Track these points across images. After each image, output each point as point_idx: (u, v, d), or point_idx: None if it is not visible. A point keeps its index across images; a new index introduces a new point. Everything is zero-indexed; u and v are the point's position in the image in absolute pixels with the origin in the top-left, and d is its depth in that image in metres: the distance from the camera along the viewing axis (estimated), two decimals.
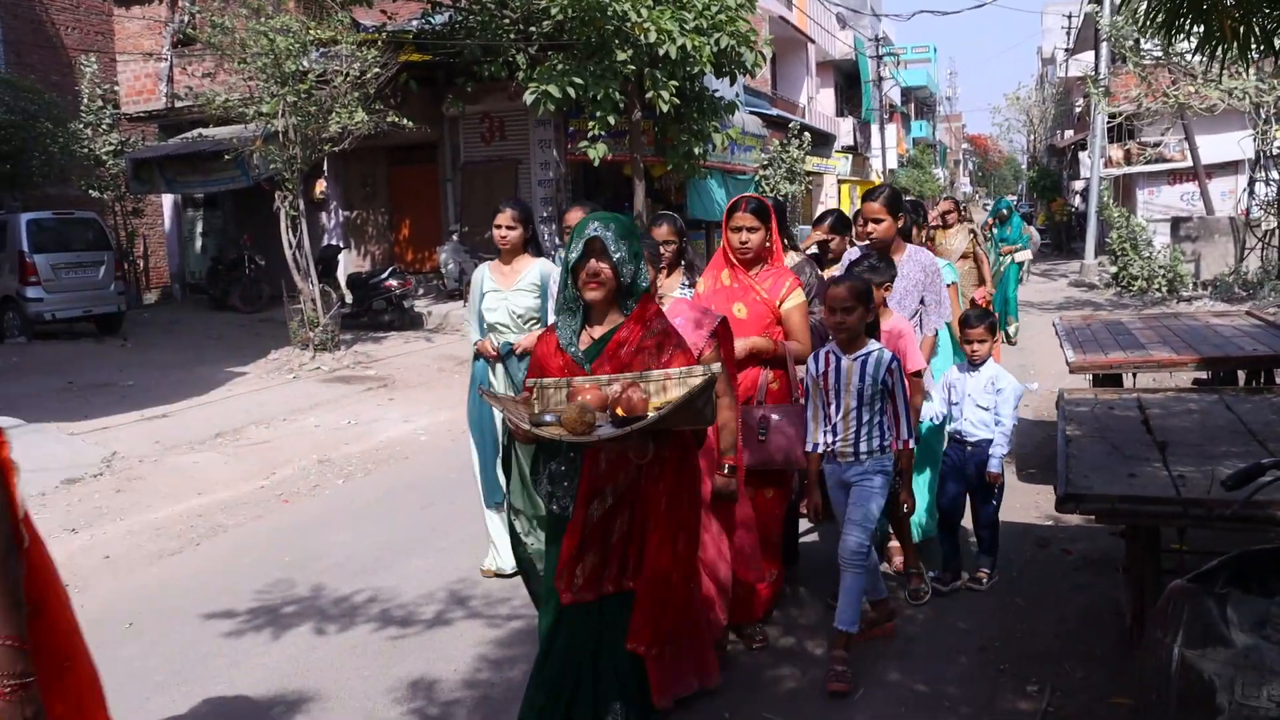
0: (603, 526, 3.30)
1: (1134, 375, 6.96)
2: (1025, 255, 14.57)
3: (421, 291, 18.47)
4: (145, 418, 10.20)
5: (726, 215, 4.69)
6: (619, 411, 3.07)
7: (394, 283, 16.52)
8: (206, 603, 5.36)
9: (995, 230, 14.27)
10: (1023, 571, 5.39)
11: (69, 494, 7.66)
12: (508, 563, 5.35)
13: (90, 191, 18.69)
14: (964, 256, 9.39)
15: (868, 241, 5.47)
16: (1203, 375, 7.24)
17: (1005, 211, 14.53)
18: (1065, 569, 5.40)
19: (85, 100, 19.03)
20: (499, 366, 5.47)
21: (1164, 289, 18.77)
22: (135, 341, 15.50)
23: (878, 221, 5.39)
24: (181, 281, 21.54)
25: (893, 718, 3.90)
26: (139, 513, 7.22)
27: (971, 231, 9.57)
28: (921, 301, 5.43)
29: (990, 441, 5.09)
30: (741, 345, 4.43)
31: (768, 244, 4.67)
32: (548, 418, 3.16)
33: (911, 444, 4.38)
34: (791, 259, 5.28)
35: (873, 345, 4.30)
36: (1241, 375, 7.06)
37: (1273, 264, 17.87)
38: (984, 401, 5.09)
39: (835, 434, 4.33)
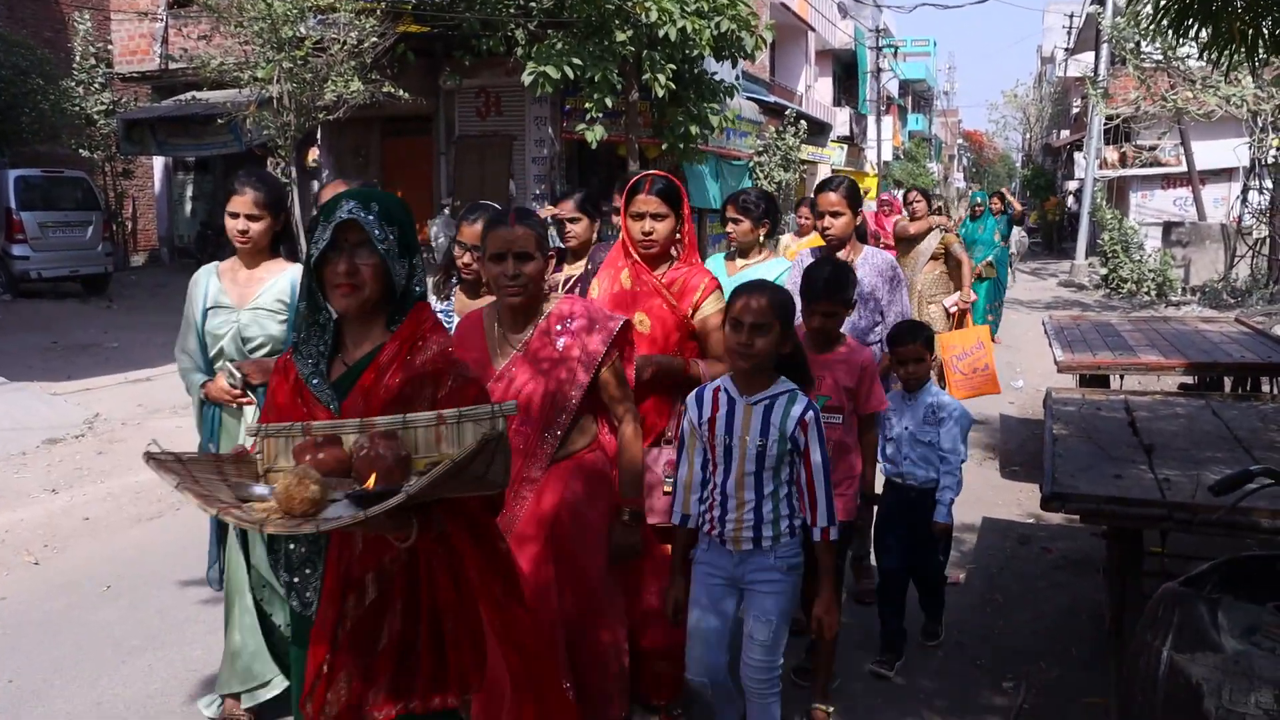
0: (365, 629, 2.26)
1: (1121, 377, 6.97)
2: (992, 265, 12.55)
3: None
4: (129, 380, 10.14)
5: (625, 198, 3.75)
6: (366, 481, 2.02)
7: None
8: (185, 568, 5.33)
9: (965, 225, 12.83)
10: (1003, 569, 5.41)
11: (50, 454, 7.60)
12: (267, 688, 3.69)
13: (80, 151, 18.52)
14: (934, 258, 8.55)
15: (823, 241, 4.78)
16: (1189, 380, 7.26)
17: (979, 204, 13.05)
18: (1045, 568, 5.42)
19: (78, 58, 18.83)
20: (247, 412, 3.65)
21: (1153, 293, 18.84)
22: (121, 303, 15.41)
23: (836, 215, 4.64)
24: (170, 245, 21.40)
25: (869, 710, 3.91)
26: (120, 475, 7.18)
27: (945, 229, 8.73)
28: (880, 315, 4.69)
29: (937, 483, 4.22)
30: (641, 364, 3.49)
31: (678, 235, 3.78)
32: (257, 490, 2.10)
33: (834, 533, 3.16)
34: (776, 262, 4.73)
35: (782, 385, 3.15)
36: (1228, 382, 7.08)
37: (1262, 272, 17.95)
38: (924, 435, 4.24)
39: (724, 510, 3.14)
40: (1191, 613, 2.12)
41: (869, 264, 4.70)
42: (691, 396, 3.27)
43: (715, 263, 4.87)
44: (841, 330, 3.92)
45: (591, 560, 3.24)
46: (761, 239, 4.83)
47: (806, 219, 8.31)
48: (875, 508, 4.30)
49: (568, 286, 4.58)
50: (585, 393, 3.15)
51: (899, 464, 4.30)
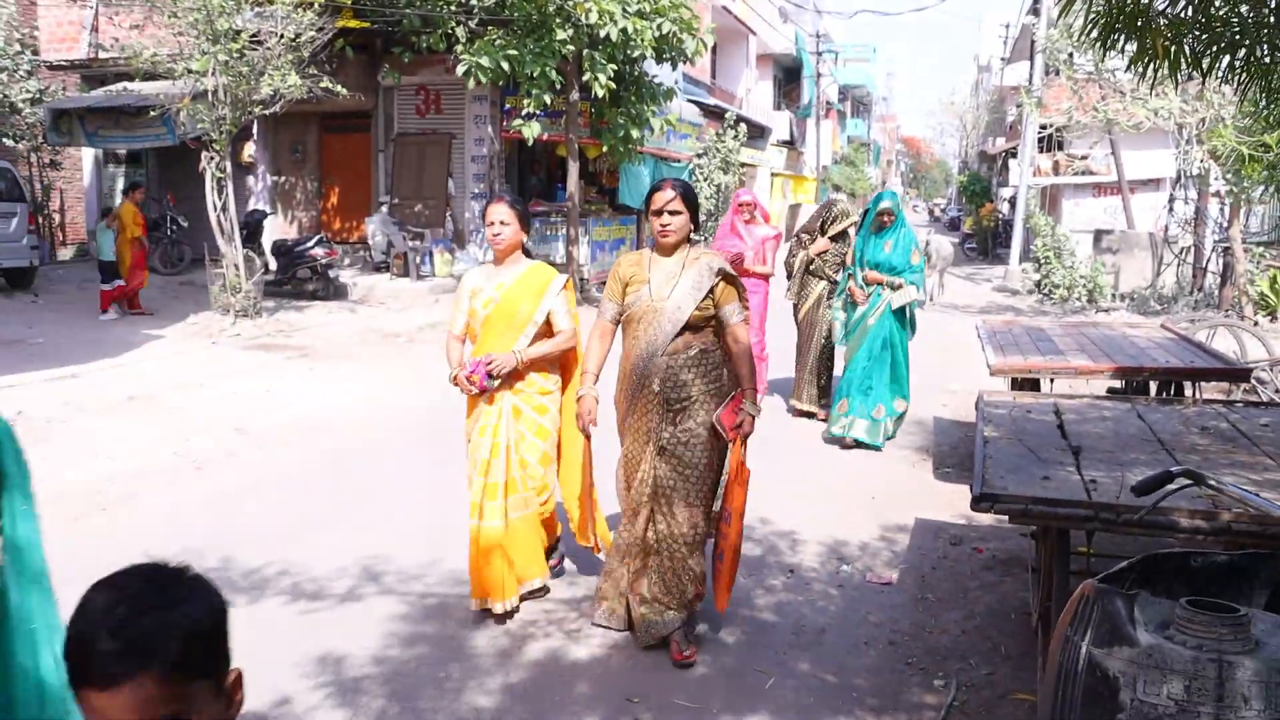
0: None
1: (1051, 381, 7.11)
2: (906, 297, 7.98)
3: (347, 262, 18.20)
4: (54, 378, 9.91)
5: None
6: None
7: (319, 251, 16.24)
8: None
9: (859, 244, 8.19)
10: (934, 568, 5.48)
11: None
12: None
13: (4, 140, 18.04)
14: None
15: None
16: (1117, 384, 7.43)
17: (887, 211, 8.07)
18: (975, 567, 5.51)
19: (1, 43, 18.32)
20: None
21: (1084, 298, 19.24)
22: (47, 298, 15.05)
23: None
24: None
25: (802, 708, 3.94)
26: (44, 476, 6.99)
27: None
28: None
29: None
30: None
31: None
32: None
33: None
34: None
35: None
36: (1153, 386, 7.25)
37: (1187, 280, 18.42)
38: None
39: None
40: (1110, 608, 2.18)
41: None
42: None
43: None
44: None
45: None
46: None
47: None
48: None
49: None
50: None
51: None
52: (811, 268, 8.89)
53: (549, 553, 5.03)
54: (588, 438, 4.47)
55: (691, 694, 3.99)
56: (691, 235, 4.42)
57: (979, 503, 3.49)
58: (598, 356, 4.47)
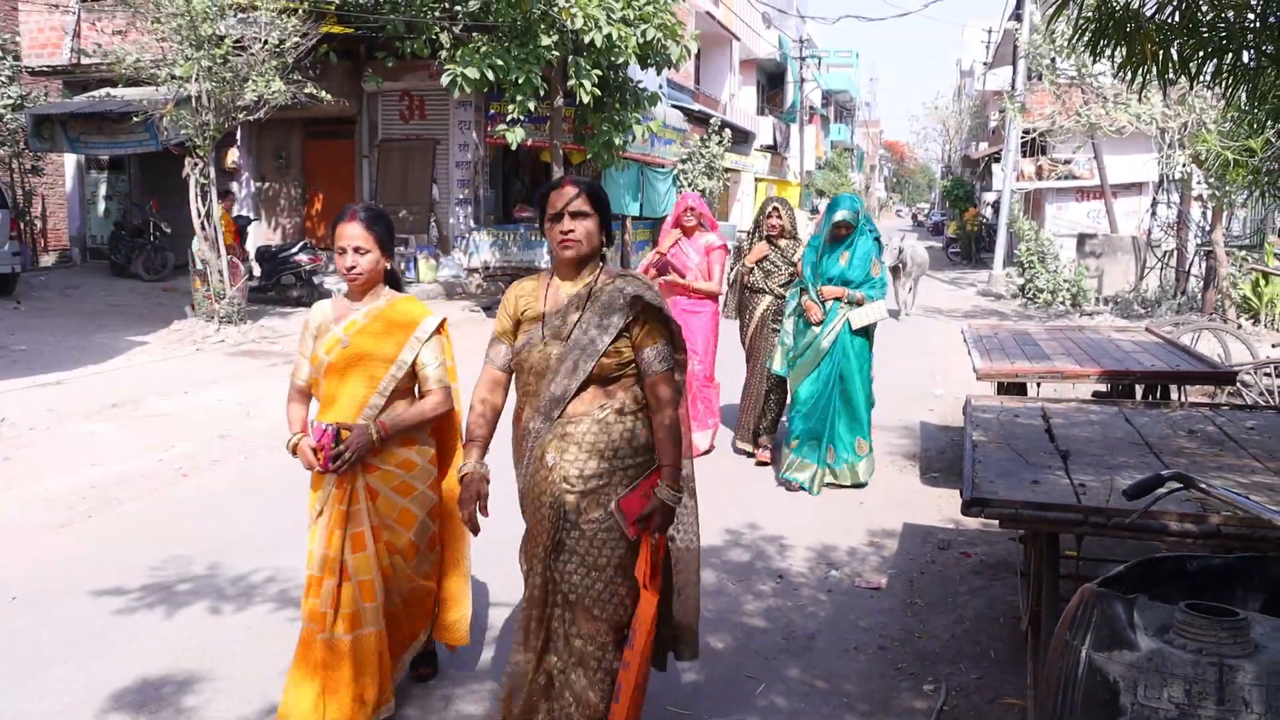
0: None
1: (1038, 385, 7.13)
2: (870, 315, 6.85)
3: (331, 268, 18.14)
4: (38, 384, 9.85)
5: None
6: None
7: (304, 257, 16.20)
8: (97, 578, 5.18)
9: (809, 255, 7.04)
10: (923, 573, 5.49)
11: None
12: None
13: None
14: None
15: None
16: (1102, 388, 7.45)
17: (846, 220, 6.80)
18: (964, 572, 5.52)
19: None
20: None
21: (1067, 302, 19.33)
22: (29, 305, 14.96)
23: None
24: (82, 245, 20.80)
25: (792, 714, 3.94)
26: (29, 482, 6.96)
27: None
28: None
29: None
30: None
31: None
32: None
33: None
34: None
35: None
36: (1139, 389, 7.28)
37: (1170, 283, 18.53)
38: None
39: None
40: (1110, 613, 2.19)
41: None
42: None
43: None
44: None
45: None
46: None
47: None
48: None
49: None
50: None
51: None
52: (748, 280, 7.62)
53: (422, 661, 4.10)
54: (474, 531, 3.31)
55: (681, 701, 3.99)
56: (603, 250, 3.32)
57: (970, 507, 3.48)
58: (485, 419, 3.34)
